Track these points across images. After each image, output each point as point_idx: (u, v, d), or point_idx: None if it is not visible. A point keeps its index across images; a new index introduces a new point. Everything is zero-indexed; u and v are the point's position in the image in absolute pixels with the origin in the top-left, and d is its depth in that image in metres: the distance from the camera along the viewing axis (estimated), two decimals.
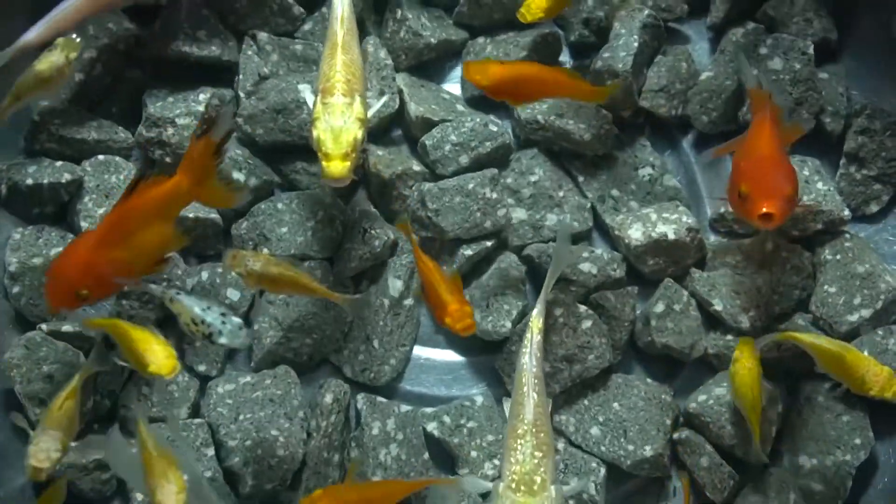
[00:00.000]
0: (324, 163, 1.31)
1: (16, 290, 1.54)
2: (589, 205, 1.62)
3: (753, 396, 1.43)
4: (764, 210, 1.30)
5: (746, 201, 1.32)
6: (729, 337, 1.55)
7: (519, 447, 1.30)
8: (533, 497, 1.26)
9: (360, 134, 1.33)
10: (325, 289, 1.42)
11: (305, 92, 1.51)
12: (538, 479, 1.27)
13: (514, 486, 1.27)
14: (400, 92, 1.64)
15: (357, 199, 1.63)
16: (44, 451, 1.33)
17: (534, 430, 1.31)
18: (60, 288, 1.29)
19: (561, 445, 1.52)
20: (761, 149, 1.37)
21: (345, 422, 1.52)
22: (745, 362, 1.45)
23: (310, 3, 1.69)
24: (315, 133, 1.33)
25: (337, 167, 1.30)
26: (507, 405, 1.47)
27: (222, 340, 1.34)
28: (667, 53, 1.68)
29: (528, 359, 1.39)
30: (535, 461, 1.28)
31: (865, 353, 1.45)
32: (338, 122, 1.33)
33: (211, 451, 1.48)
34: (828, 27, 1.67)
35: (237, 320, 1.36)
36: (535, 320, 1.42)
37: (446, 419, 1.53)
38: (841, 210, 1.58)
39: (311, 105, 1.41)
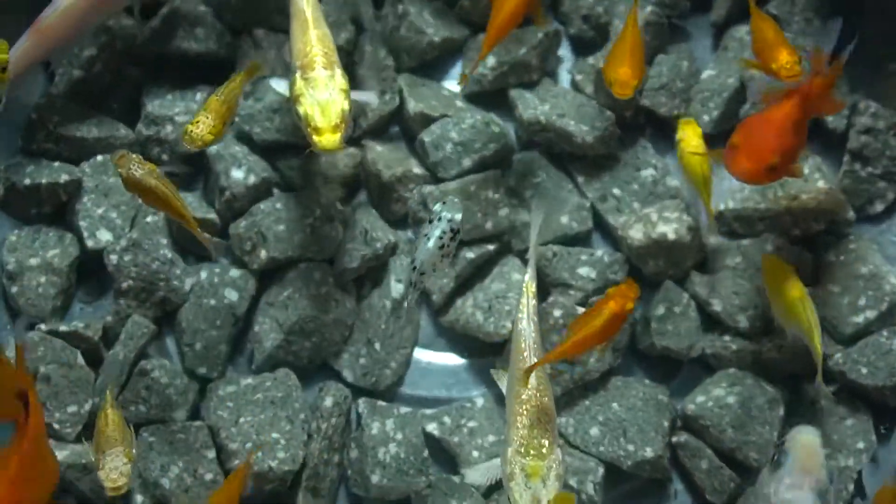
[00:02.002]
0: (315, 137, 1.30)
1: (14, 289, 1.54)
2: (589, 204, 1.62)
3: (704, 174, 1.43)
4: (740, 167, 1.31)
5: (732, 152, 1.33)
6: (727, 337, 1.55)
7: (525, 412, 1.30)
8: (542, 460, 1.26)
9: (346, 104, 1.32)
10: (192, 220, 1.38)
11: (279, 86, 1.48)
12: (546, 443, 1.28)
13: (522, 450, 1.27)
14: (399, 90, 1.63)
15: (357, 201, 1.63)
16: (114, 469, 1.33)
17: (538, 394, 1.32)
18: None
19: None
20: (776, 108, 1.35)
21: (345, 424, 1.52)
22: (688, 143, 1.43)
23: None
24: (301, 109, 1.31)
25: (329, 140, 1.29)
26: (496, 375, 1.48)
27: (456, 220, 1.39)
28: (668, 52, 1.67)
29: (527, 324, 1.39)
30: (542, 425, 1.29)
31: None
32: (323, 95, 1.31)
33: (212, 454, 1.48)
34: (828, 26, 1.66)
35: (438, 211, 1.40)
36: (529, 284, 1.42)
37: (446, 420, 1.53)
38: (845, 210, 1.57)
39: (282, 92, 1.41)
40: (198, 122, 1.37)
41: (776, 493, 1.36)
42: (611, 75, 1.42)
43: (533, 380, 1.33)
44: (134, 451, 1.37)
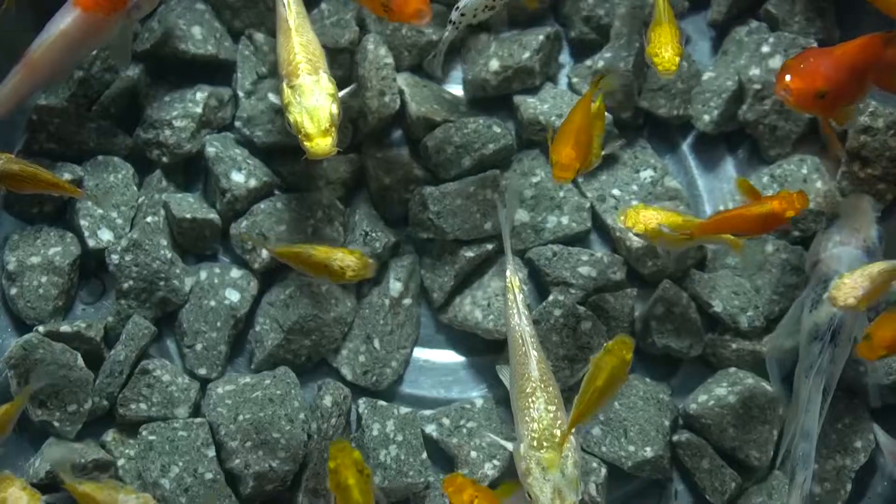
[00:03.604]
0: (306, 143, 1.31)
1: (13, 290, 1.55)
2: (588, 205, 1.61)
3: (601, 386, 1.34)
4: (786, 80, 1.30)
5: (784, 71, 1.32)
6: (727, 337, 1.55)
7: (532, 405, 1.30)
8: (557, 451, 1.26)
9: (334, 108, 1.33)
10: (65, 183, 1.42)
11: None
12: (558, 433, 1.27)
13: (535, 444, 1.27)
14: (401, 92, 1.63)
15: (357, 201, 1.63)
16: None
17: (542, 385, 1.32)
18: None
19: None
20: (842, 47, 1.35)
21: (345, 424, 1.52)
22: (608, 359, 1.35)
23: (307, 2, 1.67)
24: (290, 117, 1.33)
25: (320, 145, 1.30)
26: (500, 372, 1.49)
27: None
28: None
29: (518, 318, 1.39)
30: (551, 415, 1.29)
31: None
32: (311, 102, 1.32)
33: (211, 452, 1.48)
34: (829, 26, 1.66)
35: None
36: (512, 278, 1.42)
37: (445, 421, 1.53)
38: None
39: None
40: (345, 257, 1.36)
41: (825, 249, 1.39)
42: (553, 156, 1.37)
43: (535, 371, 1.33)
44: (76, 445, 1.39)
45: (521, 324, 1.38)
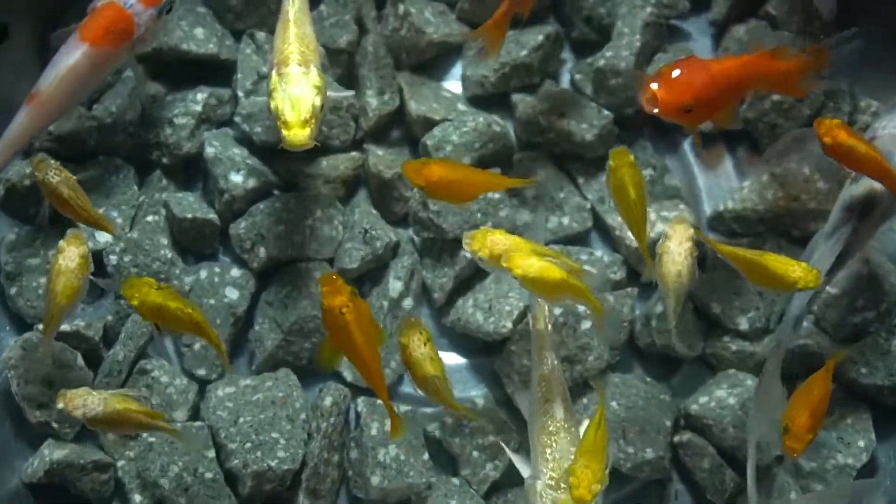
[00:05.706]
0: (283, 131, 1.31)
1: (13, 290, 1.54)
2: (589, 205, 1.62)
3: (636, 197, 1.36)
4: (653, 89, 1.32)
5: (655, 76, 1.34)
6: (727, 338, 1.55)
7: (555, 444, 1.30)
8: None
9: (317, 100, 1.33)
10: (104, 223, 1.45)
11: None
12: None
13: (554, 483, 1.27)
14: (400, 91, 1.63)
15: (357, 200, 1.63)
16: None
17: (566, 425, 1.32)
18: None
19: None
20: (722, 62, 1.36)
21: (344, 423, 1.52)
22: (622, 170, 1.37)
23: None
24: (273, 103, 1.33)
25: (297, 135, 1.30)
26: (520, 403, 1.47)
27: None
28: (667, 51, 1.68)
29: (548, 354, 1.39)
30: (573, 457, 1.27)
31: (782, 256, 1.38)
32: (295, 91, 1.32)
33: (211, 454, 1.47)
34: (828, 25, 1.66)
35: None
36: (540, 316, 1.42)
37: (448, 419, 1.52)
38: None
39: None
40: None
41: (884, 127, 1.42)
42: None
43: (560, 411, 1.33)
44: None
45: (550, 359, 1.38)
